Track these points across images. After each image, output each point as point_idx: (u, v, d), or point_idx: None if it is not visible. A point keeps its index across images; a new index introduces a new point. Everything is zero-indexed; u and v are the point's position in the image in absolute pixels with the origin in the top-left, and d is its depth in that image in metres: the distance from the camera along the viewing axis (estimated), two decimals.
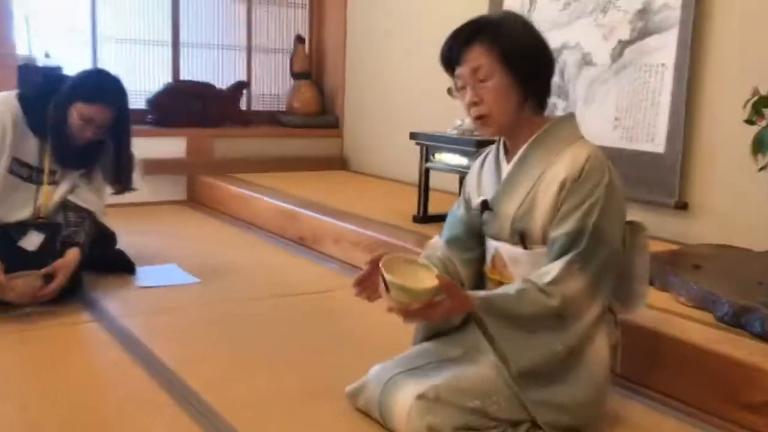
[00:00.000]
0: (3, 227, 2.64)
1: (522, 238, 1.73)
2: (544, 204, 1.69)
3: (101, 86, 2.59)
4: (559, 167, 1.69)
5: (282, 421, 1.77)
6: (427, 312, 1.57)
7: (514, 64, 1.68)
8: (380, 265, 1.56)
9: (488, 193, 1.82)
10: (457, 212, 1.94)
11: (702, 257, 2.56)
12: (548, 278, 1.62)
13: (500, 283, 1.77)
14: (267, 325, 2.48)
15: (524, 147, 1.76)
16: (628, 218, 1.76)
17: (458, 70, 1.73)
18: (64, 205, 2.73)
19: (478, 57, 1.68)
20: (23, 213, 2.67)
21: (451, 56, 1.73)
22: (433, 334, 1.88)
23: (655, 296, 2.27)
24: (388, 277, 1.53)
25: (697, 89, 3.06)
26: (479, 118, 1.73)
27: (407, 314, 1.56)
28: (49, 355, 2.15)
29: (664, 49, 3.13)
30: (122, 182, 2.80)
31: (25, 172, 2.66)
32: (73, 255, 2.57)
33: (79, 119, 2.55)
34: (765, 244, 2.71)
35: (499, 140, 1.85)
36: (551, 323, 1.62)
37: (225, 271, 3.12)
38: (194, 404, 1.85)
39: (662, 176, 3.14)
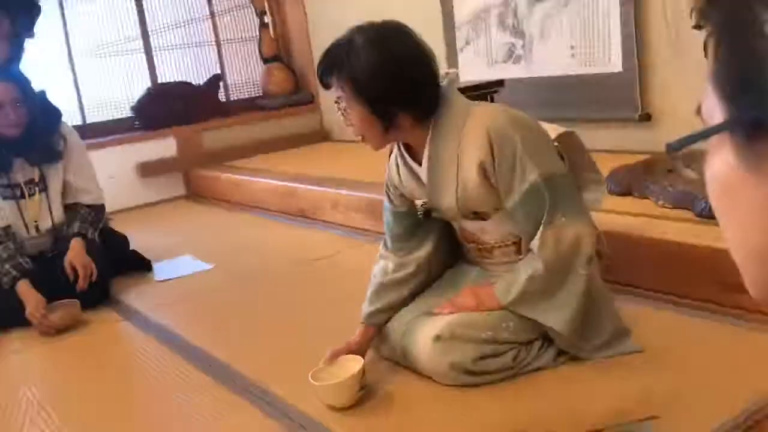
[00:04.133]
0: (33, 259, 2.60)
1: (476, 214, 1.70)
2: (476, 188, 1.63)
3: None
4: (469, 151, 1.62)
5: None
6: None
7: (367, 94, 1.59)
8: (309, 377, 1.61)
9: (419, 195, 1.76)
10: (389, 210, 1.85)
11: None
12: (537, 248, 1.59)
13: (478, 244, 1.77)
14: (283, 294, 2.49)
15: (427, 148, 1.67)
16: (559, 132, 1.72)
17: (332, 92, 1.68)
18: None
19: (336, 88, 1.63)
20: (21, 233, 2.64)
21: (322, 82, 1.68)
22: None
23: (636, 204, 2.29)
24: (313, 383, 1.60)
25: (644, 5, 3.04)
26: (359, 136, 1.69)
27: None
28: (90, 355, 2.16)
29: None
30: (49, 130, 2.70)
31: (8, 193, 2.64)
32: (75, 244, 2.58)
33: None
34: None
35: (398, 144, 1.77)
36: (572, 275, 1.60)
37: (235, 252, 3.12)
38: (235, 380, 1.86)
39: (623, 93, 3.13)
